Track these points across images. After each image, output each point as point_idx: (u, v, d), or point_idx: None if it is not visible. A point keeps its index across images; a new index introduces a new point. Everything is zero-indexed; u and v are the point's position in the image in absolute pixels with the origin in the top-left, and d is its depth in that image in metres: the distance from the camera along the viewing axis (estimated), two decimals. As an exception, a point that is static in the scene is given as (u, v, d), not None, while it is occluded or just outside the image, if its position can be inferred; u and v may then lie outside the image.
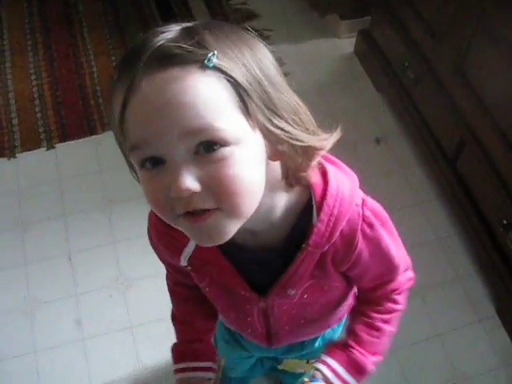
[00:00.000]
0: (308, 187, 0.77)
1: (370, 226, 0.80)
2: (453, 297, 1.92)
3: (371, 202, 0.82)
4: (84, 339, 1.84)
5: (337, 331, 1.29)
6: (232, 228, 0.66)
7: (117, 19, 2.70)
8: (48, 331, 1.85)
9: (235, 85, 0.62)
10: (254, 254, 0.81)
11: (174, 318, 1.12)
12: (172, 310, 1.13)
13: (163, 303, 1.86)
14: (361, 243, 0.81)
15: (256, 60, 0.66)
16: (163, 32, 0.64)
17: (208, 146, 0.62)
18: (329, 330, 1.24)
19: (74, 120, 2.34)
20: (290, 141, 0.68)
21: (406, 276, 0.98)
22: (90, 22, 2.68)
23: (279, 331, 1.03)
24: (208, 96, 0.60)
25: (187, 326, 1.07)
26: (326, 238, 0.77)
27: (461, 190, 1.96)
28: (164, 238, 0.85)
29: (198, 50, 0.61)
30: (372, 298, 0.97)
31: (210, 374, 1.05)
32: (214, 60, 0.60)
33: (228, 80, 0.62)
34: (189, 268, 0.86)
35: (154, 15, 2.71)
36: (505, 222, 1.73)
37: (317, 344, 1.25)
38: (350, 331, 0.97)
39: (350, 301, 1.14)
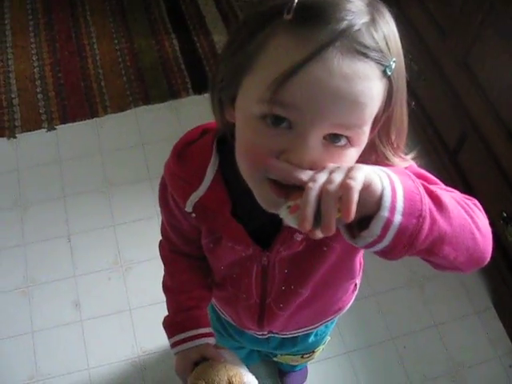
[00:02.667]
0: None
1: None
2: (450, 288, 1.94)
3: None
4: (82, 321, 1.84)
5: (330, 328, 1.27)
6: None
7: (120, 3, 2.68)
8: (46, 312, 1.85)
9: (389, 97, 0.65)
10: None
11: (168, 289, 1.06)
12: (164, 281, 1.07)
13: (162, 286, 1.89)
14: None
15: (401, 65, 0.67)
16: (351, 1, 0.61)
17: (339, 138, 0.64)
18: (322, 328, 1.22)
19: (75, 102, 2.33)
20: (380, 157, 0.71)
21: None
22: (93, 4, 2.67)
23: (273, 305, 1.00)
24: (375, 102, 0.63)
25: (184, 295, 1.01)
26: None
27: (461, 182, 1.96)
28: (176, 181, 0.84)
29: (387, 54, 0.62)
30: None
31: (213, 340, 1.00)
32: (392, 69, 0.62)
33: (388, 91, 0.64)
34: (193, 215, 0.83)
35: (157, 0, 2.69)
36: (504, 214, 1.74)
37: (310, 340, 1.23)
38: None
39: (349, 295, 1.13)
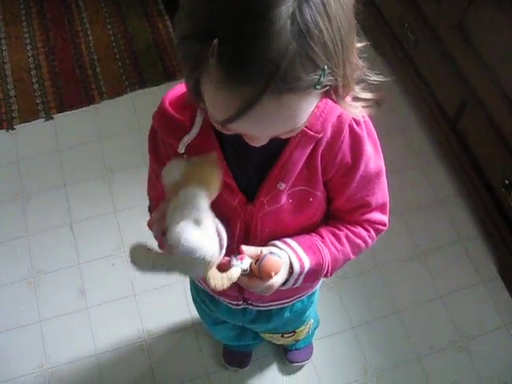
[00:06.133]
0: None
1: (358, 123, 0.86)
2: (456, 259, 1.92)
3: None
4: (88, 308, 1.85)
5: (307, 306, 1.27)
6: None
7: (112, -14, 2.65)
8: (52, 301, 1.87)
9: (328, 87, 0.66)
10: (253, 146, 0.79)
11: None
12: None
13: (166, 270, 1.89)
14: (347, 138, 0.86)
15: (344, 43, 0.65)
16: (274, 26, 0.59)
17: None
18: (298, 303, 1.22)
19: (71, 90, 2.32)
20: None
21: (380, 216, 0.99)
22: (85, -11, 2.63)
23: None
24: (309, 110, 0.68)
25: None
26: (321, 122, 0.82)
27: (462, 150, 1.94)
28: (168, 124, 0.87)
29: (313, 76, 0.62)
30: (346, 219, 0.98)
31: None
32: (323, 82, 0.63)
33: (326, 86, 0.65)
34: (184, 156, 0.86)
35: (149, -18, 2.66)
36: (506, 182, 1.72)
37: (285, 316, 1.23)
38: (315, 232, 0.97)
39: None
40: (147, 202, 1.10)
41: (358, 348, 1.77)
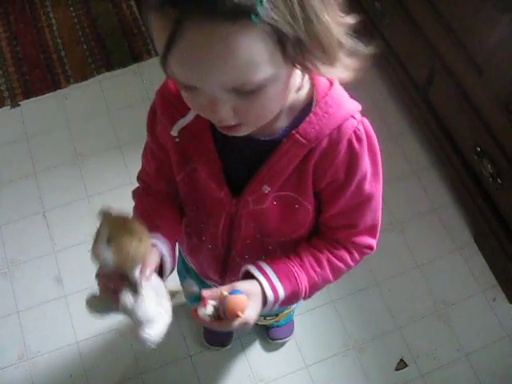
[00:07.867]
0: (313, 87, 0.80)
1: (359, 140, 0.82)
2: (431, 227, 1.94)
3: (369, 125, 0.84)
4: (66, 296, 1.83)
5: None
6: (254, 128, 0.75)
7: (72, -33, 2.58)
8: (29, 291, 1.84)
9: (278, 33, 0.60)
10: (245, 142, 0.78)
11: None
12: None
13: (142, 254, 1.87)
14: (344, 153, 0.81)
15: None
16: None
17: (246, 91, 0.65)
18: None
19: (36, 75, 2.26)
20: (316, 72, 0.69)
21: (368, 240, 0.95)
22: (45, -29, 2.56)
23: (238, 257, 1.01)
24: (253, 53, 0.60)
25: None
26: (316, 131, 0.79)
27: (433, 120, 1.94)
28: (167, 105, 0.86)
29: (247, 4, 0.56)
30: (330, 237, 0.94)
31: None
32: (262, 13, 0.57)
33: (272, 28, 0.59)
34: (176, 140, 0.86)
35: (110, -40, 2.59)
36: (478, 149, 1.73)
37: None
38: (295, 254, 0.93)
39: None
40: (120, 185, 1.08)
41: (338, 321, 1.78)
